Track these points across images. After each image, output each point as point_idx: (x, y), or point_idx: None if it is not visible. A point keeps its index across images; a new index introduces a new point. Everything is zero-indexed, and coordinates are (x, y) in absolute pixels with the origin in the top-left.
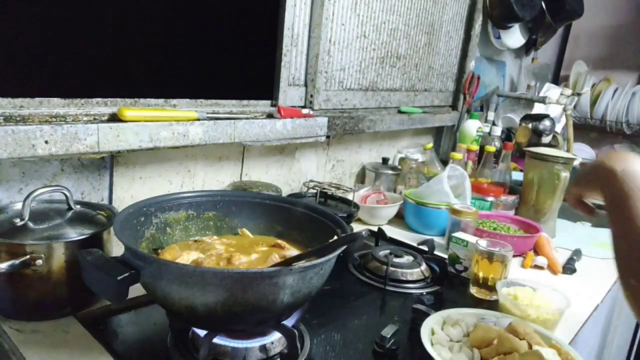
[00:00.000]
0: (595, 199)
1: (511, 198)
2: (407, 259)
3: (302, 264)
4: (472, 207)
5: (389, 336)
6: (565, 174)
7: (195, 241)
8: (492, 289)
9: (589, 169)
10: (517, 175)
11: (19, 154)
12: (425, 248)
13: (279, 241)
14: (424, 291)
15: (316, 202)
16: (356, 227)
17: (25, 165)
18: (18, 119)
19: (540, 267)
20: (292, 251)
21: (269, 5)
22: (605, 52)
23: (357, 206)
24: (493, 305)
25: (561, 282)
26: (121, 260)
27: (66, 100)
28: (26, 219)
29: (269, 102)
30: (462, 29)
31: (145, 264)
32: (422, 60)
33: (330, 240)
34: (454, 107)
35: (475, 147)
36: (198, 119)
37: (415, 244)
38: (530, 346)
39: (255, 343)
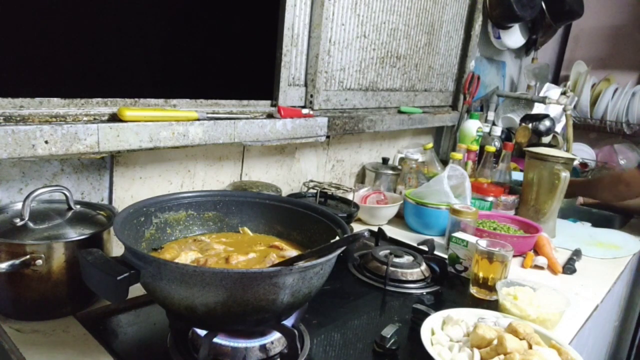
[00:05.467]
0: None
1: (511, 198)
2: (407, 259)
3: (302, 264)
4: (472, 207)
5: (389, 336)
6: (565, 174)
7: (194, 240)
8: (492, 289)
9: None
10: (517, 175)
11: (19, 154)
12: (425, 248)
13: (277, 242)
14: (424, 291)
15: (316, 202)
16: (356, 227)
17: (25, 165)
18: (18, 119)
19: (540, 267)
20: (290, 252)
21: (269, 5)
22: (605, 52)
23: (357, 206)
24: (493, 305)
25: (561, 282)
26: (121, 260)
27: (66, 100)
28: (26, 219)
29: (269, 102)
30: (462, 29)
31: (145, 264)
32: (422, 60)
33: (331, 241)
34: (454, 107)
35: (475, 147)
36: (198, 119)
37: (415, 244)
38: (530, 346)
39: (255, 343)
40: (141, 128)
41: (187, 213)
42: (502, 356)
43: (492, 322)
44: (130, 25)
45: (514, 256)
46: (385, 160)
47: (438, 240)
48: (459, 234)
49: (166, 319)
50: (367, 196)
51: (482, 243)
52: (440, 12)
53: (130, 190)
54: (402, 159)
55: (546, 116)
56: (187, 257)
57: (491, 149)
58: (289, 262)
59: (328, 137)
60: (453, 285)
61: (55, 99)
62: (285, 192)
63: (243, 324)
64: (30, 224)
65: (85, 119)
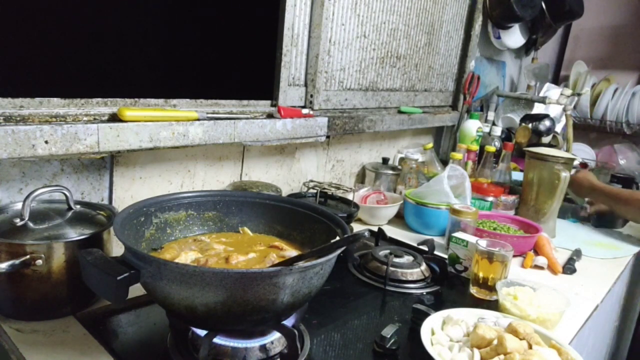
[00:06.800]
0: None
1: (511, 198)
2: (407, 259)
3: (302, 264)
4: (472, 207)
5: (389, 336)
6: (565, 174)
7: (194, 240)
8: (492, 289)
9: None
10: (517, 175)
11: (19, 154)
12: (425, 248)
13: (277, 242)
14: (424, 291)
15: (316, 202)
16: (356, 227)
17: (25, 165)
18: (18, 119)
19: (540, 267)
20: (290, 252)
21: (269, 5)
22: (605, 52)
23: (357, 206)
24: (493, 305)
25: (561, 282)
26: (121, 260)
27: (66, 100)
28: (26, 219)
29: (269, 102)
30: (462, 29)
31: (145, 264)
32: (422, 60)
33: (332, 241)
34: (454, 107)
35: (475, 147)
36: (198, 119)
37: (415, 244)
38: (530, 346)
39: (255, 343)
40: (141, 128)
41: (187, 213)
42: (502, 356)
43: (492, 322)
44: (130, 25)
45: (514, 256)
46: (385, 160)
47: (438, 240)
48: (459, 234)
49: (166, 319)
50: (367, 196)
51: (482, 243)
52: (440, 12)
53: (130, 190)
54: (402, 159)
55: (546, 116)
56: (187, 257)
57: (491, 149)
58: (289, 262)
59: (328, 137)
60: (453, 285)
61: (55, 99)
62: (285, 192)
63: (243, 324)
64: (30, 224)
65: (85, 119)
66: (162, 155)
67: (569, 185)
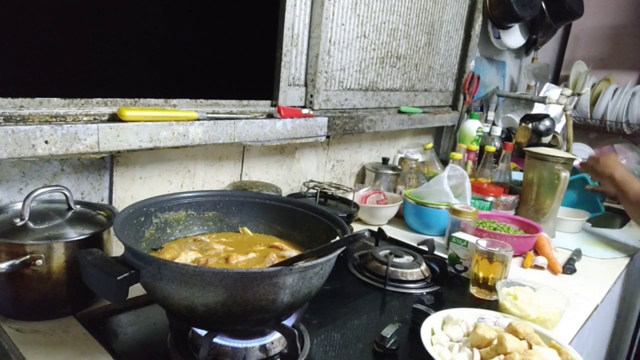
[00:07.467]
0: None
1: (511, 198)
2: (407, 259)
3: (302, 264)
4: (472, 207)
5: (389, 336)
6: (565, 174)
7: (194, 240)
8: (492, 289)
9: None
10: (517, 175)
11: (19, 154)
12: (425, 248)
13: (277, 242)
14: (424, 291)
15: (316, 202)
16: (356, 227)
17: (25, 165)
18: (18, 119)
19: (540, 267)
20: (290, 252)
21: (269, 5)
22: (605, 52)
23: (357, 206)
24: (493, 305)
25: (561, 282)
26: (121, 260)
27: (66, 100)
28: (26, 219)
29: (269, 102)
30: (462, 29)
31: (145, 264)
32: (422, 60)
33: (332, 241)
34: (454, 107)
35: (475, 147)
36: (198, 119)
37: (415, 244)
38: (530, 346)
39: (255, 343)
40: (141, 128)
41: (187, 213)
42: (502, 356)
43: (492, 322)
44: (130, 25)
45: (514, 256)
46: (385, 160)
47: (438, 240)
48: (459, 234)
49: (166, 319)
50: (367, 196)
51: (482, 243)
52: (440, 12)
53: (130, 190)
54: (402, 159)
55: (546, 116)
56: (187, 257)
57: (491, 149)
58: (289, 262)
59: (328, 137)
60: (453, 285)
61: (55, 99)
62: (285, 192)
63: (243, 324)
64: (30, 224)
65: (85, 119)
66: (162, 155)
67: (588, 169)
